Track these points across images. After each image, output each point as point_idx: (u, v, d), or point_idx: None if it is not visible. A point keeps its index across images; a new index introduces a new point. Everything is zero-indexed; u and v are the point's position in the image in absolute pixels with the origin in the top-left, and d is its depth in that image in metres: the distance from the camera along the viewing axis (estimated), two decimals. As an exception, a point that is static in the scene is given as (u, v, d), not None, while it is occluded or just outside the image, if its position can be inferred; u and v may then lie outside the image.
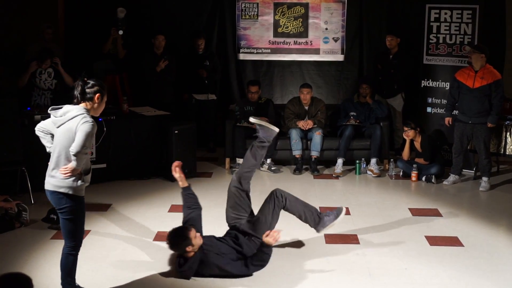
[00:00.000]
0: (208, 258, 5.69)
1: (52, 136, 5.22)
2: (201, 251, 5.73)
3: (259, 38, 11.14)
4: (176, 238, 5.74)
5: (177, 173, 6.35)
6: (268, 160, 9.55)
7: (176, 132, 8.89)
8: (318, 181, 9.15)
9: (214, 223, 7.27)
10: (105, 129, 8.28)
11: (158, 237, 6.83)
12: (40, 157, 8.02)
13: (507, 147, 8.79)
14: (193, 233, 5.71)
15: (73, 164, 4.97)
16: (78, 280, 5.72)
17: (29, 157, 8.01)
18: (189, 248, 5.67)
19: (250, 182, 6.28)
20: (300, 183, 9.03)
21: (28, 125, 8.14)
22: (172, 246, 5.81)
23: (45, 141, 5.31)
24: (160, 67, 10.00)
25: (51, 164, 5.14)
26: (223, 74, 11.01)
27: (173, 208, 7.79)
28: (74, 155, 4.93)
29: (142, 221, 7.31)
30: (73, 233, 5.17)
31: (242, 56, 11.20)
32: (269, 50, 11.16)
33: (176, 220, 7.27)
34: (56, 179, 5.06)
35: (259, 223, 6.09)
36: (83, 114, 5.01)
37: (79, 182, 5.09)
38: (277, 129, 6.28)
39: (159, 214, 7.57)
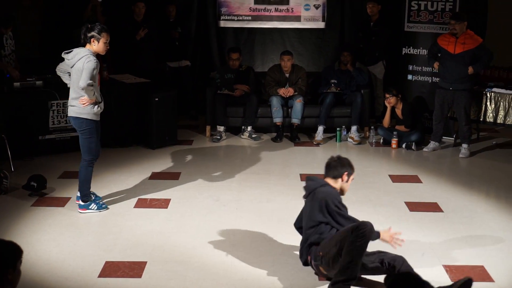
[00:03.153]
0: None
1: (69, 74, 6.42)
2: None
3: (239, 5, 11.05)
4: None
5: None
6: (249, 128, 9.54)
7: (156, 99, 8.84)
8: (298, 149, 9.16)
9: (195, 190, 7.30)
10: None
11: (139, 203, 6.83)
12: (19, 125, 8.04)
13: (487, 114, 8.83)
14: None
15: (85, 96, 6.23)
16: (59, 247, 5.76)
17: (9, 124, 7.96)
18: None
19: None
20: (281, 150, 9.05)
21: (7, 93, 8.07)
22: None
23: (64, 78, 6.55)
24: (139, 35, 9.90)
25: (71, 95, 6.38)
26: (204, 41, 10.92)
27: (154, 175, 7.78)
28: (82, 88, 6.15)
29: (123, 188, 7.30)
30: (91, 149, 6.45)
31: (222, 23, 11.12)
32: (250, 17, 11.09)
33: (157, 187, 7.30)
34: (77, 107, 6.31)
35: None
36: (87, 54, 6.19)
37: (95, 109, 6.35)
38: None
39: (140, 182, 7.56)
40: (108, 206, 6.68)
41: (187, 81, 10.61)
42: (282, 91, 9.54)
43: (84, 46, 6.31)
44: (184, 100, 10.41)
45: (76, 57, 6.24)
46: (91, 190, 6.63)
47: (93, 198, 6.61)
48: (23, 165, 7.92)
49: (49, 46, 10.12)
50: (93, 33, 6.25)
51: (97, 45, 6.29)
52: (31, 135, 8.23)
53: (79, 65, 6.19)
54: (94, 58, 6.22)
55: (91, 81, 6.14)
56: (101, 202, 6.65)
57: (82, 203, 6.53)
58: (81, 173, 6.53)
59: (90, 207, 6.53)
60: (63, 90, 8.27)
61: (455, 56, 8.56)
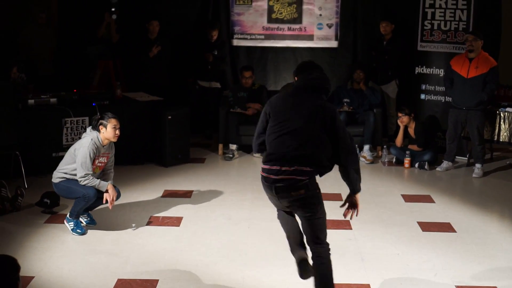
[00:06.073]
0: None
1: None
2: None
3: (253, 24, 11.10)
4: None
5: None
6: (262, 146, 9.53)
7: (169, 117, 8.87)
8: (311, 167, 9.13)
9: (207, 208, 7.30)
10: (98, 114, 8.28)
11: (151, 221, 6.84)
12: (33, 142, 8.08)
13: (501, 134, 8.81)
14: None
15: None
16: (72, 264, 5.76)
17: (23, 141, 8.00)
18: None
19: None
20: (294, 169, 9.02)
21: (22, 110, 8.11)
22: None
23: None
24: (153, 53, 9.95)
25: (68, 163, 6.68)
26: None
27: (166, 193, 7.79)
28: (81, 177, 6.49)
29: (136, 206, 7.31)
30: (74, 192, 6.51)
31: (236, 42, 11.16)
32: (263, 36, 11.13)
33: (169, 205, 7.31)
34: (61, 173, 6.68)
35: None
36: (89, 140, 6.40)
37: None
38: None
39: (152, 199, 7.57)
40: (86, 231, 6.52)
41: (211, 102, 10.61)
42: (295, 110, 9.54)
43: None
44: (202, 119, 10.49)
45: (83, 135, 6.61)
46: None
47: (74, 222, 6.47)
48: (36, 182, 7.96)
49: (64, 63, 10.19)
50: (101, 120, 6.48)
51: (106, 131, 6.46)
52: (45, 152, 8.27)
53: (79, 143, 6.50)
54: (87, 144, 6.35)
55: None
56: (78, 230, 6.45)
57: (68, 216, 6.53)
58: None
59: (68, 223, 6.47)
60: (77, 108, 8.38)
61: (468, 80, 8.55)
